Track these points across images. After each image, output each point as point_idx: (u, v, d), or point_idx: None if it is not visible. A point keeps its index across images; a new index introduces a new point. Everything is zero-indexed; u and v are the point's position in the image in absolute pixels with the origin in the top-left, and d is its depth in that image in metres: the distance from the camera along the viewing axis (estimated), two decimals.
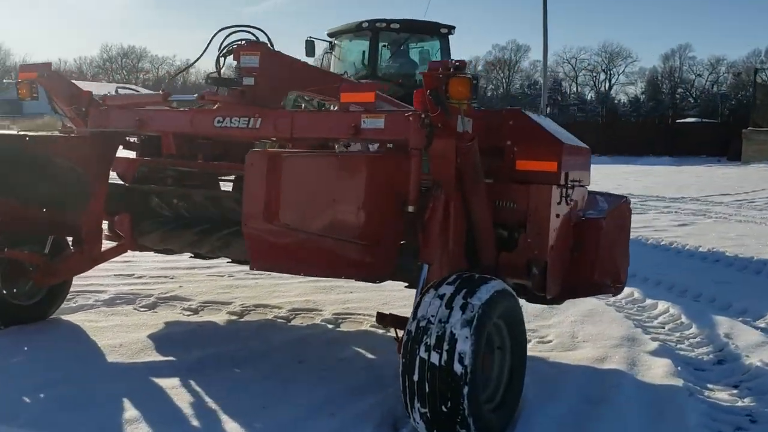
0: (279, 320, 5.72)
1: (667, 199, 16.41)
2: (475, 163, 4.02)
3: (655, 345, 5.22)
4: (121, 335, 5.13)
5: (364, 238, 3.89)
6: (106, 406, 3.89)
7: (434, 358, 3.36)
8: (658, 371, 4.67)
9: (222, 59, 4.98)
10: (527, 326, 5.55)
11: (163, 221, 5.21)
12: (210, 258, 5.39)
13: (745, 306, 6.45)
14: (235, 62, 4.90)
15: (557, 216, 4.32)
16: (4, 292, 5.28)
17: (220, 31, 4.97)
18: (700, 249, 9.58)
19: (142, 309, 5.96)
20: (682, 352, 5.19)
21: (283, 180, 3.52)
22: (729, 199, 16.81)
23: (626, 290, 6.84)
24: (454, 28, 12.65)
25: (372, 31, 12.00)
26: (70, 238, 5.55)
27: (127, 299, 6.21)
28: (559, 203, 4.33)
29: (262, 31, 5.02)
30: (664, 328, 5.85)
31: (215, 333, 5.32)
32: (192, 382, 4.27)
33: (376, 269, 4.07)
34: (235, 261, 5.33)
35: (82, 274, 5.67)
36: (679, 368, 4.70)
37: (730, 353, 5.11)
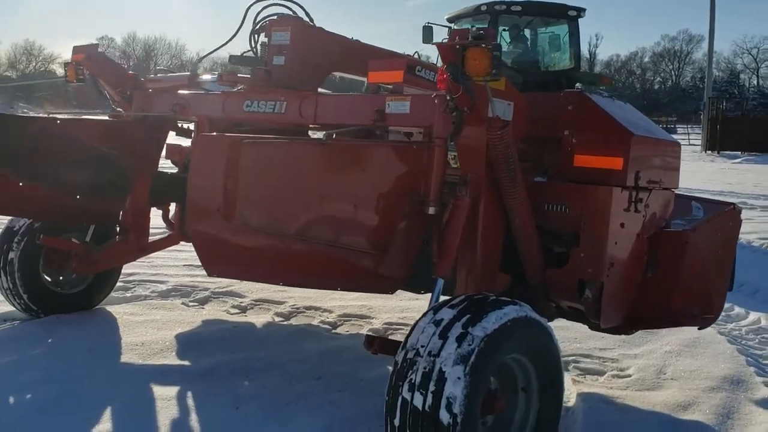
0: (323, 326, 5.19)
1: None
2: (509, 157, 3.25)
3: (767, 391, 4.14)
4: (150, 333, 4.81)
5: (363, 243, 3.26)
6: (80, 412, 3.53)
7: (418, 400, 2.66)
8: (760, 429, 3.65)
9: (255, 36, 4.51)
10: (610, 353, 4.70)
11: None
12: None
13: None
14: (267, 39, 4.41)
15: (622, 226, 3.44)
16: (48, 279, 5.14)
17: (253, 4, 4.49)
18: None
19: (192, 304, 5.65)
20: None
21: (243, 171, 2.94)
22: None
23: (752, 316, 5.72)
24: (584, 10, 11.51)
25: (491, 14, 11.15)
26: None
27: (184, 292, 5.94)
28: (626, 210, 3.45)
29: (300, 5, 4.49)
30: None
31: (247, 336, 4.87)
32: (190, 393, 3.83)
33: (381, 280, 3.42)
34: None
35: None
36: None
37: None
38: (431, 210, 3.32)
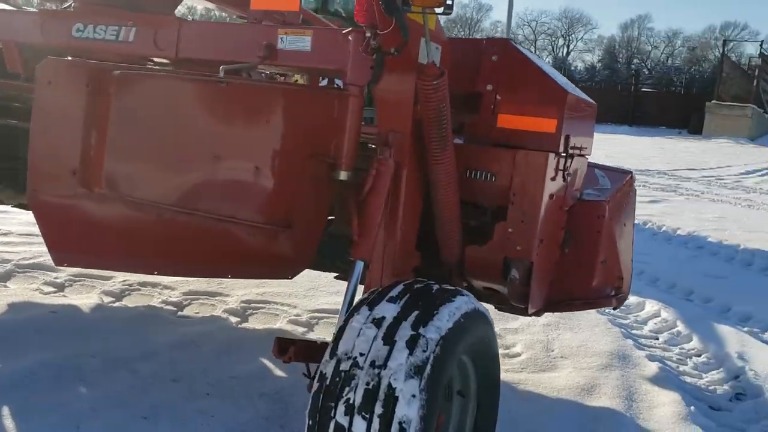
0: (167, 308, 4.33)
1: (633, 171, 15.29)
2: (442, 113, 2.67)
3: (654, 367, 4.01)
4: None
5: (266, 216, 2.53)
6: None
7: (359, 426, 2.04)
8: (665, 411, 3.47)
9: None
10: None
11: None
12: None
13: (749, 311, 5.36)
14: None
15: (551, 197, 3.02)
16: None
17: None
18: (679, 232, 8.51)
19: None
20: (688, 379, 4.01)
21: (115, 116, 2.10)
22: (696, 175, 15.89)
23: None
24: None
25: None
26: None
27: None
28: (553, 179, 3.03)
29: None
30: (657, 339, 4.68)
31: (73, 325, 3.89)
32: (5, 409, 2.89)
33: (282, 263, 2.73)
34: None
35: None
36: (692, 408, 3.51)
37: (748, 383, 3.96)
38: (343, 175, 2.66)
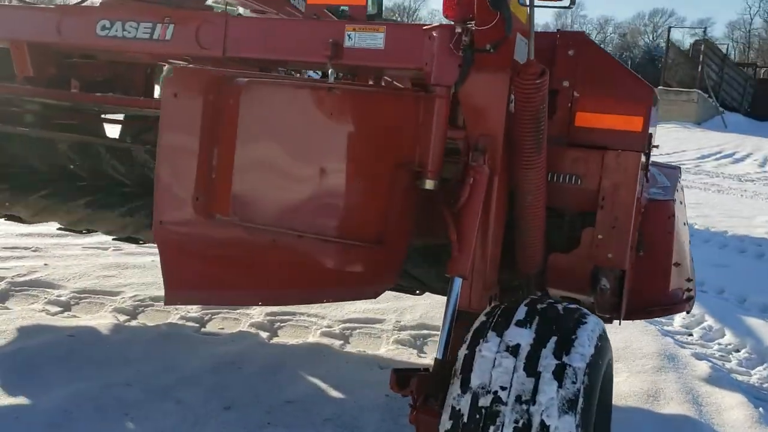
0: (189, 325, 4.02)
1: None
2: (541, 115, 2.46)
3: (705, 367, 3.91)
4: None
5: (366, 234, 2.29)
6: None
7: None
8: (736, 415, 3.37)
9: None
10: None
11: (10, 177, 3.43)
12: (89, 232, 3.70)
13: (764, 301, 5.33)
14: None
15: (637, 200, 2.86)
16: None
17: None
18: None
19: None
20: (740, 377, 3.93)
21: (243, 131, 1.83)
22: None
23: None
24: None
25: None
26: None
27: None
28: (640, 180, 2.86)
29: None
30: (692, 335, 4.59)
31: (96, 349, 3.56)
32: None
33: (372, 282, 2.48)
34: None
35: None
36: (760, 409, 3.41)
37: None
38: (429, 184, 2.43)
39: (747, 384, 3.84)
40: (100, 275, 4.69)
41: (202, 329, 3.99)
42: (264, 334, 3.95)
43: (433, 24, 2.52)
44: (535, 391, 1.89)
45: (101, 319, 3.95)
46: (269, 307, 4.32)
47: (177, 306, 4.25)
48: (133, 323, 3.98)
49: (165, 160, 1.80)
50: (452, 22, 2.44)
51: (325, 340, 3.93)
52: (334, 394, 3.28)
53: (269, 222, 1.91)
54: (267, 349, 3.74)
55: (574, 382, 1.90)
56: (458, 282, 2.38)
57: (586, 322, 2.10)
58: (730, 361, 4.17)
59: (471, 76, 2.43)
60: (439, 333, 4.06)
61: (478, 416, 1.90)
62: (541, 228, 2.75)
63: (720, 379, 3.76)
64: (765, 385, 3.85)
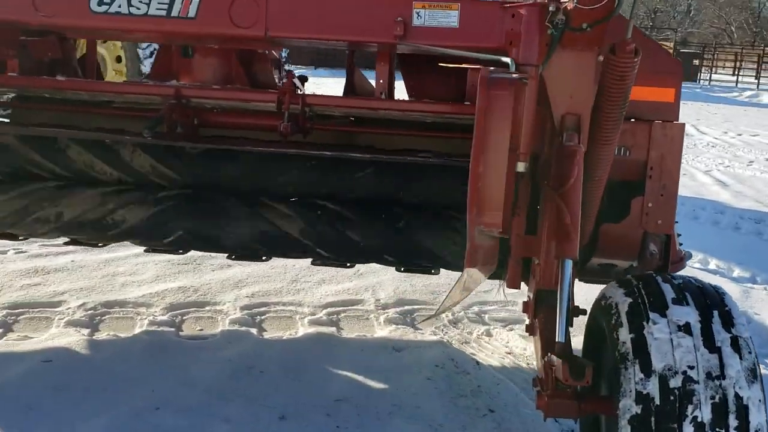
0: (163, 330, 3.62)
1: None
2: (628, 93, 2.51)
3: None
4: None
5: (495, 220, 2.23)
6: None
7: None
8: None
9: None
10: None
11: None
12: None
13: None
14: None
15: None
16: None
17: None
18: None
19: None
20: None
21: None
22: None
23: None
24: None
25: None
26: None
27: None
28: None
29: None
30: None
31: (88, 374, 3.10)
32: None
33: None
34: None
35: None
36: None
37: None
38: (521, 167, 2.40)
39: None
40: (23, 285, 4.07)
41: (181, 333, 3.63)
42: (252, 330, 3.68)
43: (513, 1, 2.45)
44: (721, 366, 1.97)
45: (63, 337, 3.44)
46: (239, 301, 4.03)
47: (137, 311, 3.82)
48: (103, 336, 3.51)
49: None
50: (544, 0, 2.40)
51: (320, 329, 3.73)
52: (377, 385, 3.16)
53: None
54: (271, 347, 3.48)
55: (750, 352, 2.01)
56: (569, 264, 2.39)
57: (725, 293, 2.21)
58: None
59: (558, 55, 2.40)
60: (419, 306, 4.08)
61: (672, 397, 1.94)
62: (599, 201, 2.82)
63: None
64: None
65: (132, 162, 2.99)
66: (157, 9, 2.54)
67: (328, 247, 2.89)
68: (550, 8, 2.33)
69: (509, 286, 2.85)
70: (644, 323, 2.08)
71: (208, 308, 3.93)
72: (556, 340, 2.30)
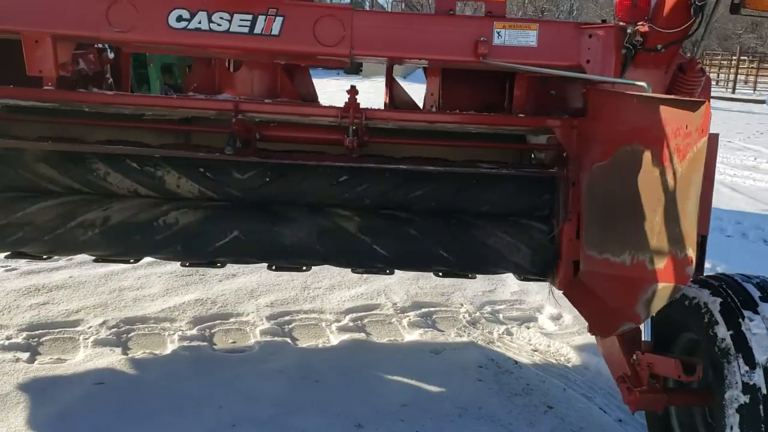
0: (197, 344, 3.58)
1: None
2: None
3: None
4: None
5: None
6: None
7: None
8: None
9: None
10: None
11: None
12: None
13: None
14: None
15: None
16: None
17: None
18: None
19: None
20: None
21: None
22: None
23: None
24: None
25: None
26: None
27: None
28: None
29: None
30: None
31: (145, 397, 3.04)
32: None
33: None
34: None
35: None
36: None
37: None
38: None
39: None
40: (31, 304, 3.89)
41: (216, 346, 3.59)
42: (286, 340, 3.69)
43: (590, 22, 2.61)
44: None
45: (100, 358, 3.34)
46: (261, 311, 4.02)
47: (162, 326, 3.75)
48: (139, 354, 3.42)
49: None
50: (620, 22, 2.57)
51: (352, 336, 3.78)
52: (433, 388, 3.26)
53: None
54: (313, 356, 3.51)
55: None
56: None
57: None
58: None
59: (630, 72, 2.59)
60: (435, 309, 4.19)
61: None
62: None
63: None
64: None
65: (179, 182, 2.92)
66: (239, 26, 2.54)
67: (396, 254, 2.93)
68: (628, 30, 2.51)
69: (559, 288, 3.02)
70: (740, 320, 2.29)
71: (233, 320, 3.90)
72: (643, 339, 2.50)
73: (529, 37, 2.62)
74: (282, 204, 2.93)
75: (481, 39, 2.58)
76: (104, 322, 3.72)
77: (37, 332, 3.58)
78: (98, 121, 2.94)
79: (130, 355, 3.40)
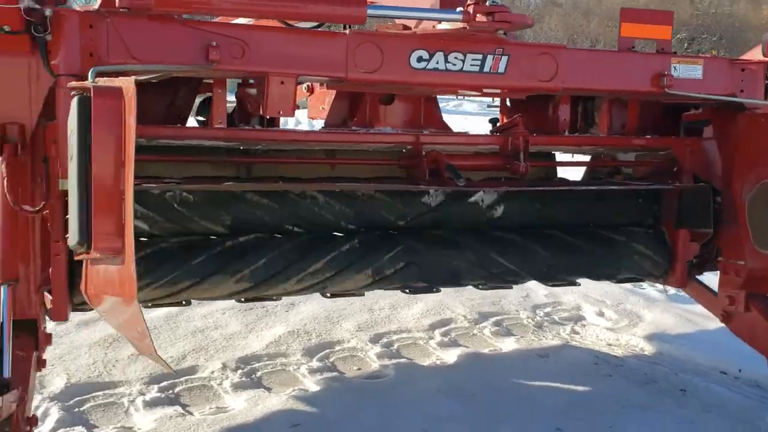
0: (334, 375, 3.57)
1: None
2: None
3: None
4: None
5: None
6: None
7: None
8: None
9: None
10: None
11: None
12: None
13: None
14: None
15: None
16: None
17: None
18: None
19: None
20: None
21: None
22: None
23: None
24: None
25: None
26: None
27: None
28: None
29: None
30: None
31: None
32: None
33: None
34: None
35: None
36: None
37: None
38: None
39: None
40: (131, 357, 3.63)
41: (348, 374, 3.61)
42: (401, 361, 3.78)
43: (743, 58, 3.11)
44: None
45: (263, 402, 3.23)
46: (357, 335, 4.07)
47: (281, 362, 3.70)
48: (284, 392, 3.35)
49: None
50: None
51: (456, 350, 3.95)
52: (578, 388, 3.54)
53: None
54: (457, 373, 3.64)
55: None
56: None
57: None
58: None
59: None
60: (497, 318, 4.47)
61: None
62: None
63: None
64: None
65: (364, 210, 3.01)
66: (471, 65, 2.70)
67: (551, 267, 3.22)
68: None
69: (676, 286, 3.50)
70: None
71: (340, 347, 3.92)
72: None
73: (696, 71, 3.04)
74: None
75: (665, 72, 2.95)
76: (223, 366, 3.59)
77: (163, 383, 3.38)
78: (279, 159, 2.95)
79: (278, 394, 3.33)
